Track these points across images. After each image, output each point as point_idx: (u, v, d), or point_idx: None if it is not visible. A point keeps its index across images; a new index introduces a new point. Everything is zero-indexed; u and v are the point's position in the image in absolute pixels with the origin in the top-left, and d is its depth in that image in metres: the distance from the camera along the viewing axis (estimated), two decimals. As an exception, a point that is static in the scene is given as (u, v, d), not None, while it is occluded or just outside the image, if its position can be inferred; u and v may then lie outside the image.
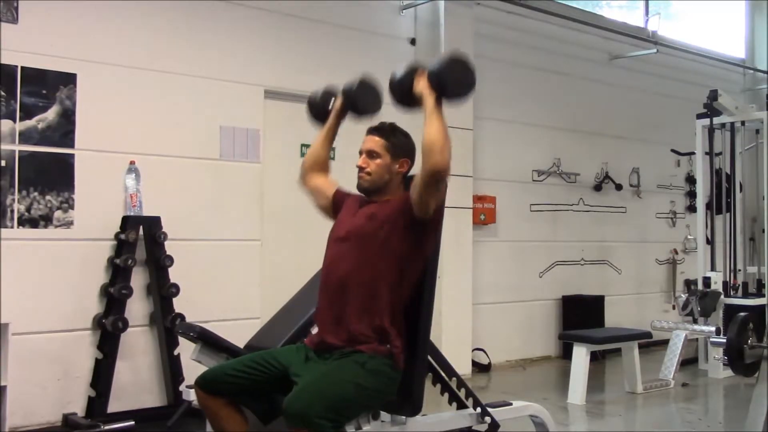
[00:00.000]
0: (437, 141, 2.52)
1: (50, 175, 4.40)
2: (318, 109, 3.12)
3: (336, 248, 2.80)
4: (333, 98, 3.08)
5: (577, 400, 5.15)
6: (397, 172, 2.83)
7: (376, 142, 2.82)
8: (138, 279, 4.62)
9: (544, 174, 7.10)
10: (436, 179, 2.57)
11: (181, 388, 4.43)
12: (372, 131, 2.86)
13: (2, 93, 4.25)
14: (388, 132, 2.84)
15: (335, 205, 2.98)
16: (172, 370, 4.62)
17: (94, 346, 4.47)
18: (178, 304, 4.66)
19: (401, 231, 2.69)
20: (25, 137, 4.32)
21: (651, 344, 6.92)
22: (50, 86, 4.41)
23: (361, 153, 2.85)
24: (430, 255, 2.83)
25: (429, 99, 2.59)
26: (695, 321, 6.25)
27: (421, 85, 2.62)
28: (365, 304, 2.66)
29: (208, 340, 3.25)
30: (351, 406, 2.58)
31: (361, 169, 2.83)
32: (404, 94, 2.69)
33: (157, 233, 4.61)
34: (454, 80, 2.60)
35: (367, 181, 2.82)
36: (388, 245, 2.68)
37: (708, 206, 6.72)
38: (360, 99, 2.98)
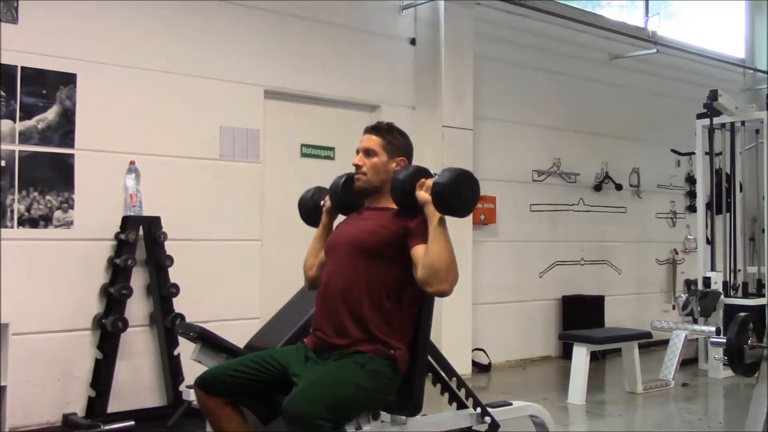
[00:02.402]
0: (443, 263, 2.50)
1: (50, 175, 4.39)
2: (309, 210, 3.09)
3: (336, 258, 2.78)
4: (323, 198, 3.05)
5: (577, 400, 5.15)
6: (394, 171, 2.83)
7: (372, 141, 2.82)
8: (138, 279, 4.62)
9: (544, 174, 7.10)
10: (440, 293, 2.56)
11: (181, 388, 4.44)
12: (369, 130, 2.87)
13: (2, 93, 4.25)
14: (385, 131, 2.85)
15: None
16: (172, 370, 4.62)
17: (94, 346, 4.47)
18: (178, 304, 4.66)
19: (402, 254, 2.67)
20: (25, 137, 4.32)
21: (651, 344, 6.92)
22: (50, 86, 4.41)
23: (357, 152, 2.85)
24: None
25: (433, 217, 2.56)
26: (695, 321, 6.25)
27: (424, 197, 2.60)
28: (366, 314, 2.65)
29: (208, 340, 3.25)
30: (351, 407, 2.57)
31: (357, 168, 2.82)
32: (405, 197, 2.67)
33: (157, 233, 4.61)
34: (458, 201, 2.57)
35: (364, 180, 2.82)
36: (390, 262, 2.68)
37: (708, 206, 6.71)
38: (347, 195, 2.91)
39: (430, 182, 2.61)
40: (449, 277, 2.50)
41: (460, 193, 2.57)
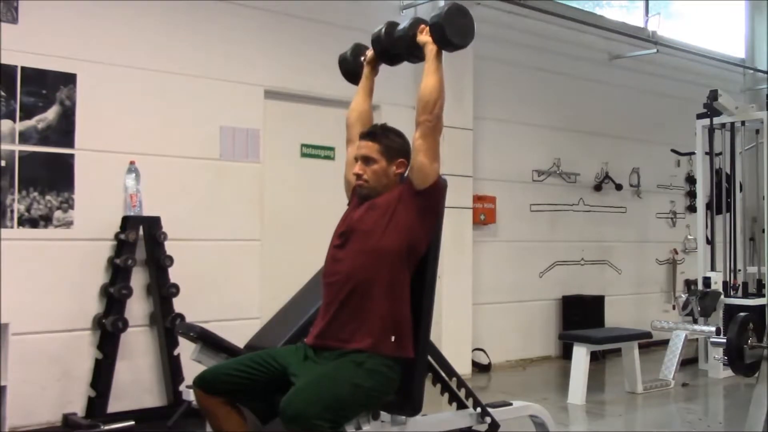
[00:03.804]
0: (432, 96, 2.73)
1: (50, 175, 4.40)
2: (349, 65, 3.18)
3: (337, 243, 2.80)
4: (363, 52, 3.13)
5: (577, 400, 5.15)
6: (395, 173, 2.83)
7: (370, 148, 2.81)
8: (138, 279, 4.62)
9: (544, 174, 7.10)
10: (433, 125, 2.74)
11: (181, 388, 4.43)
12: (364, 136, 2.85)
13: (2, 93, 4.25)
14: (381, 135, 2.84)
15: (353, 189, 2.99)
16: (172, 370, 4.62)
17: (94, 346, 4.47)
18: (178, 304, 4.66)
19: (405, 204, 2.73)
20: (25, 137, 4.32)
21: (651, 344, 6.92)
22: (50, 86, 4.41)
23: (356, 159, 2.84)
24: (433, 235, 2.83)
25: (432, 49, 2.78)
26: (695, 321, 6.25)
27: (423, 37, 2.81)
28: (367, 296, 2.65)
29: (208, 340, 3.24)
30: (349, 407, 2.57)
31: (358, 176, 2.81)
32: (407, 44, 2.87)
33: (157, 233, 4.61)
34: (455, 30, 2.80)
35: (366, 188, 2.82)
36: (392, 220, 2.70)
37: (708, 206, 6.71)
38: (389, 41, 3.03)
39: (427, 27, 2.84)
40: (440, 99, 2.76)
41: (456, 24, 2.83)
